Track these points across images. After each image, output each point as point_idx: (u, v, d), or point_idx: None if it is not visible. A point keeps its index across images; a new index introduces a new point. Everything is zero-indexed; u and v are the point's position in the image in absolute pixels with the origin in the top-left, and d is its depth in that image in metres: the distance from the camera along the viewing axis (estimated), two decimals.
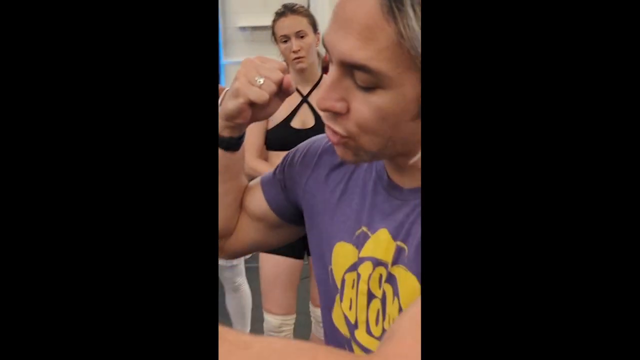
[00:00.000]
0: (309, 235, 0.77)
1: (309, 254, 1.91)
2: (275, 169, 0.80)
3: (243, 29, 5.35)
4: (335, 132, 0.58)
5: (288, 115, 1.84)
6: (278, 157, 1.86)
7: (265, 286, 1.93)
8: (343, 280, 0.68)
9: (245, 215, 0.82)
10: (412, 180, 0.63)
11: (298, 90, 1.86)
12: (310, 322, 2.09)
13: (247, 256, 2.27)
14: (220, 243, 0.82)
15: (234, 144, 0.73)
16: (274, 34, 1.84)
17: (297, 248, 1.89)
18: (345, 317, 0.69)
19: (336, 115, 0.57)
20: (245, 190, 0.82)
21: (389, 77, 0.52)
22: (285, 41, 1.80)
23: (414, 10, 0.49)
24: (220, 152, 0.73)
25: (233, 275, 2.30)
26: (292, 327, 1.97)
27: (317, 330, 2.02)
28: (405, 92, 0.53)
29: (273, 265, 1.89)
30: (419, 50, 0.50)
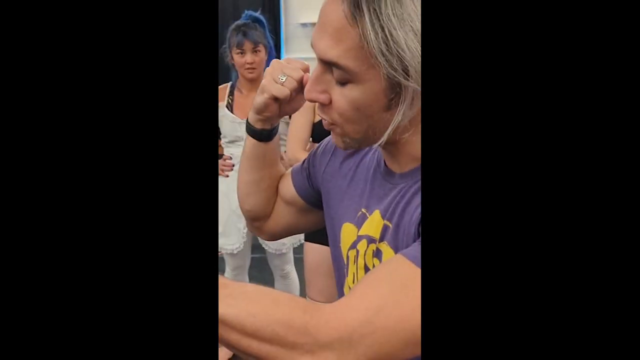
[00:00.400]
0: (325, 218, 0.84)
1: None
2: (304, 160, 0.90)
3: (304, 25, 5.44)
4: (325, 120, 0.67)
5: None
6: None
7: (309, 274, 2.01)
8: (347, 257, 0.77)
9: (280, 200, 0.91)
10: (403, 166, 0.69)
11: None
12: None
13: (296, 245, 2.35)
14: (259, 224, 0.92)
15: (266, 135, 0.82)
16: None
17: None
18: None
19: (322, 105, 0.66)
20: (281, 178, 0.91)
21: (356, 72, 0.60)
22: None
23: (372, 17, 0.56)
24: (255, 142, 0.83)
25: (282, 263, 2.39)
26: None
27: None
28: (372, 86, 0.60)
29: (316, 254, 1.97)
30: (378, 51, 0.57)
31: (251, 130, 0.83)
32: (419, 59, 0.57)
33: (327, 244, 2.07)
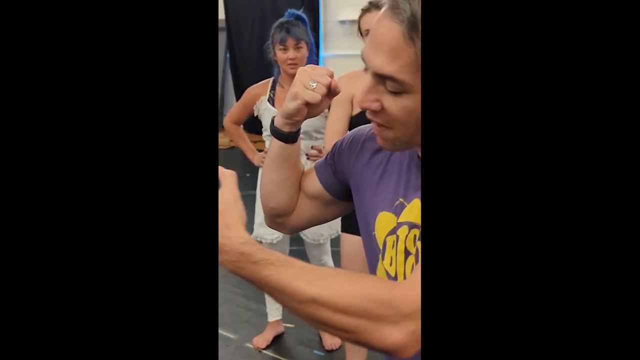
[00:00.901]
0: (356, 209, 0.92)
1: None
2: (327, 156, 0.97)
3: (343, 22, 5.50)
4: (376, 124, 0.76)
5: None
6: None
7: (346, 265, 2.07)
8: (385, 243, 0.84)
9: (304, 196, 0.98)
10: None
11: None
12: None
13: (333, 236, 2.42)
14: (281, 220, 0.99)
15: (292, 137, 0.89)
16: (359, 28, 1.97)
17: None
18: (387, 272, 0.84)
19: (374, 112, 0.74)
20: (303, 175, 0.98)
21: (411, 85, 0.69)
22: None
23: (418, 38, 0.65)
24: (281, 144, 0.90)
25: (319, 254, 2.45)
26: None
27: None
28: (419, 95, 0.68)
29: (353, 244, 2.03)
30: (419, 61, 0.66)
31: (278, 134, 0.88)
32: None
33: None
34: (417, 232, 0.79)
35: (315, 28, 5.46)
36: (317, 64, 2.14)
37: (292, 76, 2.26)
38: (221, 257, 0.64)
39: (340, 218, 2.13)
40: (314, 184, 0.96)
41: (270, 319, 2.56)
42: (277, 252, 0.67)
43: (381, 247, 0.85)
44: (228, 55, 6.58)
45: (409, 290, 0.63)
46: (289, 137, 0.89)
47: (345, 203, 0.95)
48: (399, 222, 0.82)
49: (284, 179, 0.93)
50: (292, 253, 2.68)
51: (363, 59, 0.73)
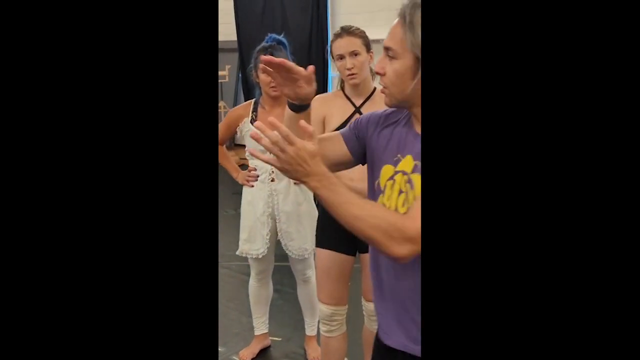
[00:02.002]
0: (368, 166, 1.24)
1: (360, 252, 2.09)
2: (349, 126, 1.26)
3: None
4: (383, 86, 1.12)
5: (342, 124, 2.04)
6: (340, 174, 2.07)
7: (319, 278, 2.14)
8: (385, 185, 1.18)
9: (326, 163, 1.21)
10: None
11: (352, 102, 2.06)
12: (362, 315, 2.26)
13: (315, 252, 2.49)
14: None
15: (297, 108, 1.17)
16: (331, 52, 2.06)
17: (349, 245, 2.09)
18: (384, 204, 1.17)
19: (381, 76, 1.12)
20: (323, 145, 1.18)
21: (398, 52, 1.08)
22: (341, 59, 2.02)
23: (409, 26, 1.06)
24: (292, 113, 1.18)
25: (303, 268, 2.52)
26: (344, 317, 2.16)
27: (370, 324, 2.19)
28: (405, 62, 1.08)
29: (326, 259, 2.10)
30: (409, 41, 1.06)
31: (291, 105, 1.17)
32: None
33: (336, 250, 2.18)
34: (406, 177, 1.13)
35: (324, 48, 5.59)
36: None
37: (274, 98, 2.38)
38: (293, 169, 0.96)
39: (315, 235, 2.21)
40: (340, 148, 1.24)
41: (257, 332, 2.63)
42: (335, 178, 0.99)
43: (382, 188, 1.18)
44: (240, 75, 6.75)
45: (411, 220, 0.97)
46: (300, 108, 1.17)
47: (356, 164, 1.27)
48: (396, 170, 1.15)
49: None
50: (278, 268, 2.76)
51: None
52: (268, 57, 1.10)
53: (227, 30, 6.16)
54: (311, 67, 1.13)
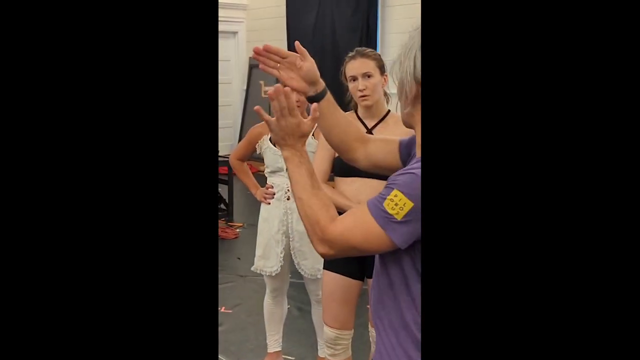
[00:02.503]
0: None
1: (368, 277, 2.05)
2: (403, 140, 1.31)
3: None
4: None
5: None
6: (343, 182, 2.05)
7: (324, 300, 2.11)
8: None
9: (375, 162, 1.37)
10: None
11: (364, 124, 2.04)
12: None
13: None
14: (348, 157, 1.35)
15: (313, 98, 1.22)
16: (344, 73, 2.05)
17: (356, 269, 2.05)
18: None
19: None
20: (378, 145, 1.32)
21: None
22: (354, 80, 2.01)
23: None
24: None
25: (316, 288, 2.50)
26: (349, 342, 2.12)
27: None
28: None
29: (332, 282, 2.07)
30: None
31: (309, 99, 1.23)
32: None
33: (342, 273, 2.16)
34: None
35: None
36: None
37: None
38: (281, 135, 1.05)
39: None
40: (393, 152, 1.30)
41: (270, 349, 2.62)
42: (308, 160, 1.06)
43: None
44: None
45: (334, 225, 1.02)
46: (316, 98, 1.22)
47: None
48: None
49: (329, 129, 1.27)
50: (292, 285, 2.75)
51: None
52: (256, 48, 1.14)
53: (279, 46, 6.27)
54: (296, 42, 1.19)
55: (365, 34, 5.94)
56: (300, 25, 6.48)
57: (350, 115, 2.09)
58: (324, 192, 1.07)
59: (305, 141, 1.08)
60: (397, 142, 1.27)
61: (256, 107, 1.09)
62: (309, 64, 1.20)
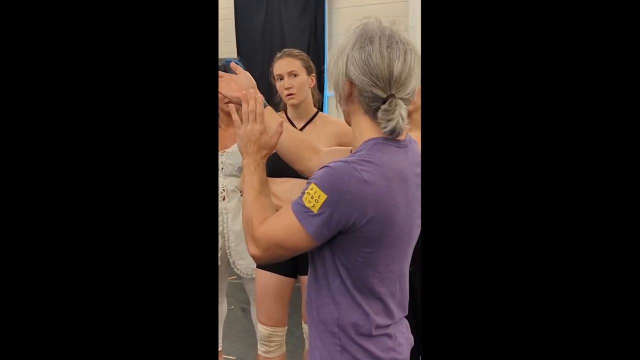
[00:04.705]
0: None
1: (300, 274, 2.08)
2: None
3: None
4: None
5: None
6: (274, 182, 2.07)
7: (258, 299, 2.13)
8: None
9: None
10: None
11: (293, 124, 2.06)
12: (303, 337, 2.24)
13: None
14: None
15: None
16: (272, 73, 2.08)
17: (288, 267, 2.08)
18: None
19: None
20: (331, 156, 1.32)
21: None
22: (280, 79, 2.03)
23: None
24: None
25: (254, 288, 2.52)
26: (283, 338, 2.14)
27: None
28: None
29: (264, 280, 2.09)
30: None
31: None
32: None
33: (275, 271, 2.18)
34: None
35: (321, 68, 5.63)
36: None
37: (228, 115, 2.40)
38: (245, 141, 1.12)
39: None
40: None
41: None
42: (263, 170, 1.12)
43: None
44: None
45: (263, 226, 1.07)
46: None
47: None
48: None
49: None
50: (236, 285, 2.74)
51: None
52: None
53: (227, 48, 6.24)
54: (232, 63, 1.37)
55: (314, 35, 5.98)
56: (249, 27, 6.47)
57: (280, 115, 2.12)
58: (269, 199, 1.11)
59: (265, 155, 1.14)
60: (349, 151, 1.26)
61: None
62: (244, 76, 1.33)
